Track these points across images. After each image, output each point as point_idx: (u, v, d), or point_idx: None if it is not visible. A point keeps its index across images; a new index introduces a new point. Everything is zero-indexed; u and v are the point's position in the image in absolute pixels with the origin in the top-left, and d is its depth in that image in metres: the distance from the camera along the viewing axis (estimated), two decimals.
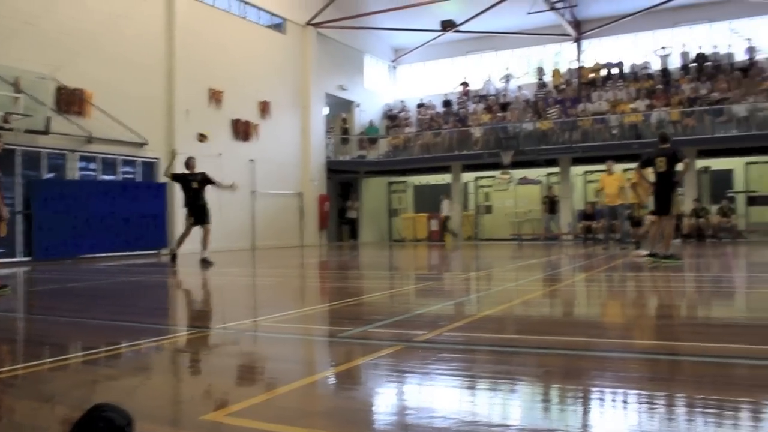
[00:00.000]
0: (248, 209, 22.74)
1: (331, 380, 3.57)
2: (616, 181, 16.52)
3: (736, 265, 11.81)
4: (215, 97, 21.43)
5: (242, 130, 22.67)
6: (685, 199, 22.41)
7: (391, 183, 30.75)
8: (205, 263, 12.53)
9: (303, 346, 4.74)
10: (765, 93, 23.46)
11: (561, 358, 3.96)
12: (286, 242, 24.17)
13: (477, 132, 26.82)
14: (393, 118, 31.02)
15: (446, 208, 25.92)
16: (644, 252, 11.93)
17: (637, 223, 16.52)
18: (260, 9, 24.04)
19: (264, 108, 23.69)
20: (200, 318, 6.52)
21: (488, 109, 28.37)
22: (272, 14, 24.66)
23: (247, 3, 23.38)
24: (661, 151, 10.67)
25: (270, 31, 24.71)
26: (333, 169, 27.39)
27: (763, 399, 2.96)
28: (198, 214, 12.94)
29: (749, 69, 25.22)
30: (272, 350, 4.55)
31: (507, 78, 29.57)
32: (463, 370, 3.71)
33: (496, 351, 4.20)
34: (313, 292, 8.86)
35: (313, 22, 25.87)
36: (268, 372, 3.93)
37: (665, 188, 10.61)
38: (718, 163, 24.04)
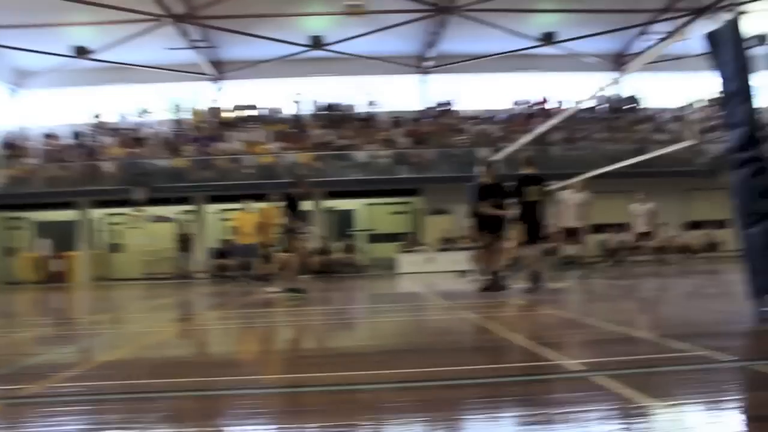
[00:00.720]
0: None
1: None
2: (252, 220, 16.81)
3: (357, 298, 12.74)
4: None
5: None
6: (314, 237, 23.79)
7: (7, 219, 27.38)
8: None
9: None
10: (382, 142, 26.21)
11: (193, 400, 3.75)
12: None
13: (109, 166, 25.40)
14: (13, 148, 27.78)
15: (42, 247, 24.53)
16: (275, 288, 12.27)
17: (267, 260, 16.91)
18: None
19: None
20: None
21: (122, 144, 27.06)
22: None
23: None
24: (296, 193, 11.36)
25: None
26: None
27: (386, 420, 3.11)
28: None
29: (369, 120, 28.05)
30: None
31: (143, 112, 28.62)
32: (78, 423, 3.28)
33: (118, 398, 3.81)
34: None
35: None
36: None
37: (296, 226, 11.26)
38: (342, 204, 26.00)
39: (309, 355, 5.63)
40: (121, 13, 22.97)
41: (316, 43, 27.00)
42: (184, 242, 22.30)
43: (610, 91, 29.68)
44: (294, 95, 28.92)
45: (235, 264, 19.10)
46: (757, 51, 6.06)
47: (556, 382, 3.89)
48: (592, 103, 29.00)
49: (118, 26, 23.97)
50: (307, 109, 28.89)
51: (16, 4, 22.60)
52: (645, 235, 16.38)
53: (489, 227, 10.85)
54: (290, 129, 27.50)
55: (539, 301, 9.09)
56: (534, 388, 3.78)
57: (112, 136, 27.73)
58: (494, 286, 10.56)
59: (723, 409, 3.14)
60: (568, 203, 13.04)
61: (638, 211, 16.40)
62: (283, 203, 11.43)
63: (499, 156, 14.23)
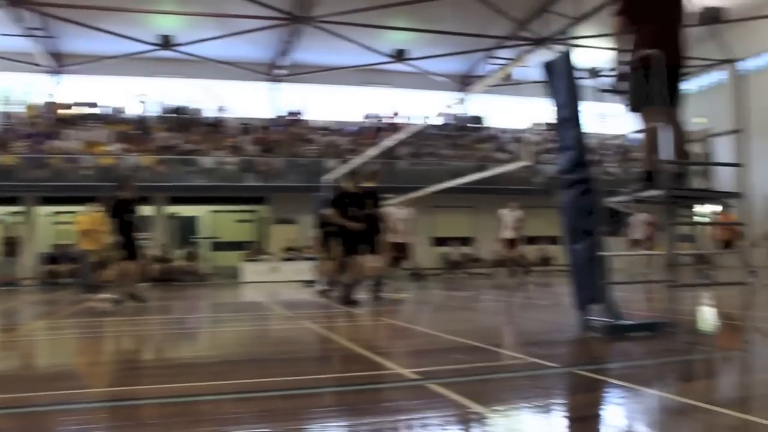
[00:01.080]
0: None
1: None
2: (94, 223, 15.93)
3: (198, 307, 12.39)
4: None
5: None
6: (153, 243, 22.93)
7: None
8: None
9: None
10: (230, 148, 25.74)
11: (10, 418, 3.48)
12: None
13: None
14: None
15: None
16: (107, 296, 11.68)
17: (101, 267, 15.97)
18: None
19: None
20: None
21: None
22: None
23: None
24: (123, 197, 10.85)
25: None
26: None
27: (228, 431, 3.04)
28: None
29: (217, 125, 27.47)
30: None
31: None
32: None
33: None
34: None
35: None
36: None
37: (129, 232, 10.79)
38: (186, 210, 25.24)
39: (144, 366, 5.42)
40: None
41: (165, 42, 26.10)
42: (11, 246, 20.78)
43: (455, 110, 30.91)
44: (139, 95, 27.76)
45: (67, 270, 18.01)
46: (587, 82, 6.57)
47: (393, 390, 3.98)
48: (438, 121, 30.08)
49: None
50: (152, 110, 27.82)
51: None
52: (511, 242, 16.79)
53: (338, 237, 10.87)
54: (133, 130, 26.35)
55: (379, 312, 9.26)
56: (371, 397, 3.84)
57: None
58: (339, 296, 10.63)
59: (550, 411, 3.35)
60: (393, 218, 13.34)
61: (506, 218, 16.70)
62: (107, 207, 10.94)
63: (346, 168, 14.38)
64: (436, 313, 9.98)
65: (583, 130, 6.13)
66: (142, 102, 27.73)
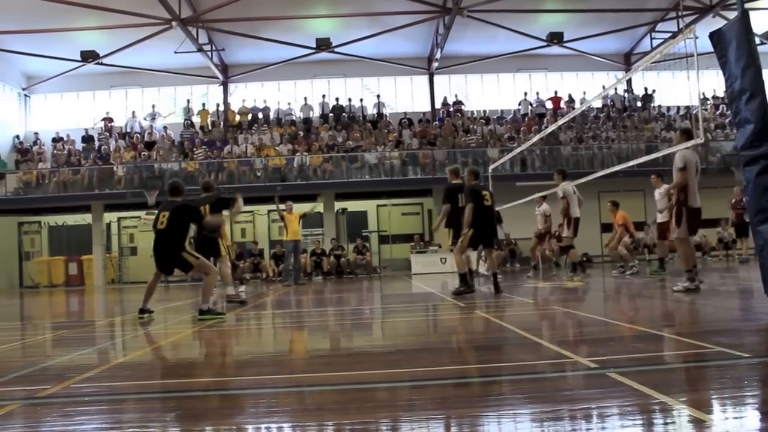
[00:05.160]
0: None
1: None
2: (296, 219, 17.37)
3: (371, 299, 12.71)
4: None
5: None
6: (325, 238, 23.82)
7: (21, 223, 27.50)
8: None
9: None
10: (391, 144, 26.18)
11: (215, 399, 3.76)
12: None
13: (120, 170, 25.49)
14: (24, 152, 27.93)
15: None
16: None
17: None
18: None
19: None
20: None
21: (132, 147, 27.15)
22: None
23: None
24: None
25: None
26: None
27: (403, 417, 3.11)
28: None
29: (378, 122, 28.03)
30: None
31: (153, 116, 28.70)
32: (90, 423, 3.29)
33: (128, 399, 3.83)
34: None
35: None
36: None
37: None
38: (354, 205, 26.00)
39: (323, 355, 5.65)
40: (129, 18, 23.05)
41: (323, 45, 26.97)
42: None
43: (619, 90, 29.59)
44: (302, 97, 28.98)
45: (247, 266, 19.25)
46: (765, 48, 6.05)
47: (571, 379, 3.88)
48: (601, 102, 28.93)
49: (125, 30, 24.01)
50: (315, 111, 28.92)
51: (26, 10, 22.74)
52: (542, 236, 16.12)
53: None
54: (299, 131, 27.51)
55: (551, 300, 9.06)
56: (549, 385, 3.77)
57: (122, 140, 27.82)
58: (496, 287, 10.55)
59: (744, 404, 3.13)
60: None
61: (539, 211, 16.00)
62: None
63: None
64: (612, 301, 9.63)
65: (762, 102, 5.66)
66: (305, 104, 28.87)
